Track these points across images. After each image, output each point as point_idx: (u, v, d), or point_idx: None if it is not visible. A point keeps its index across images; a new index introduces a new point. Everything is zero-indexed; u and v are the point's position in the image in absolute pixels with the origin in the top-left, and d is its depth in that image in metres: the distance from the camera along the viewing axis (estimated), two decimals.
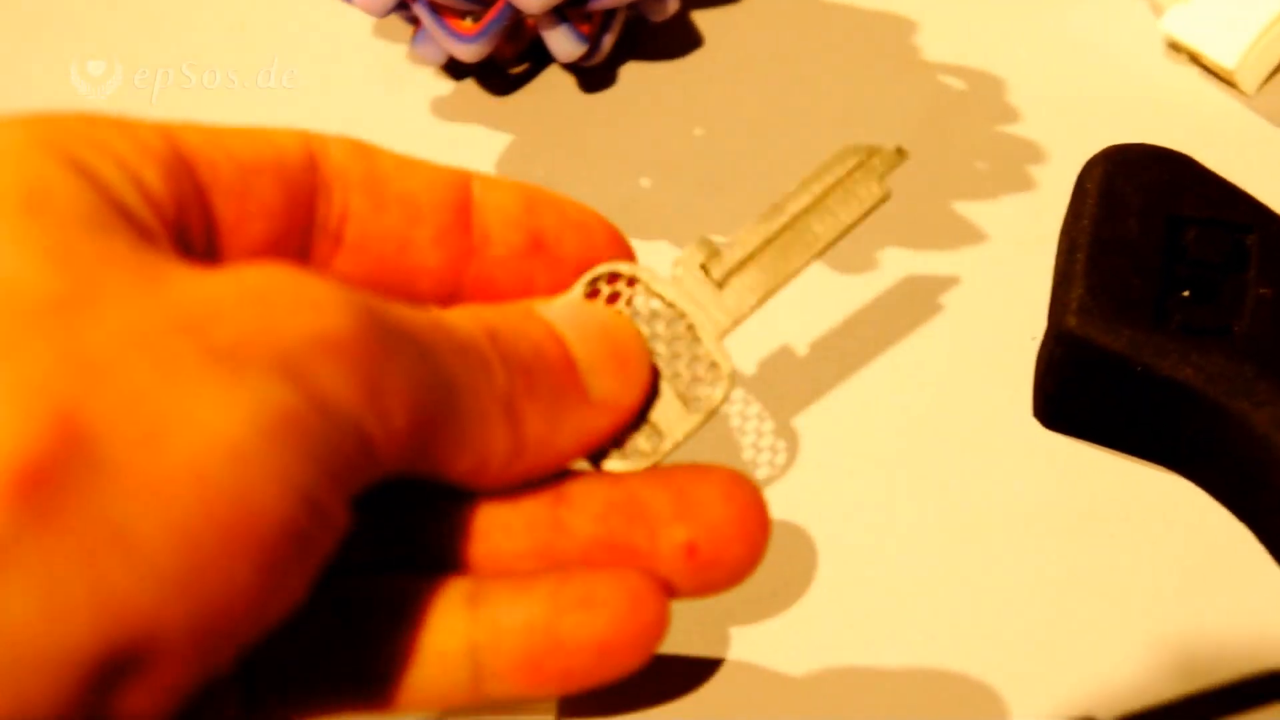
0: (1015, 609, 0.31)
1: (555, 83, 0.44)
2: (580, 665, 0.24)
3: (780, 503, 0.33)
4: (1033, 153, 0.41)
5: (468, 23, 0.40)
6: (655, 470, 0.26)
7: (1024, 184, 0.41)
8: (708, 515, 0.25)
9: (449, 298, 0.26)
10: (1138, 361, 0.32)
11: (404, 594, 0.24)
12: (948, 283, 0.38)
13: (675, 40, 0.45)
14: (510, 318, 0.24)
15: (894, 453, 0.34)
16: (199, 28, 0.46)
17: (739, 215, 0.39)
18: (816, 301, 0.37)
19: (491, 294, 0.26)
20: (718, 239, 0.27)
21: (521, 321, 0.24)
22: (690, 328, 0.27)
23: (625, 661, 0.23)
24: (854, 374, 0.35)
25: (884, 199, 0.28)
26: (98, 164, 0.20)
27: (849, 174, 0.28)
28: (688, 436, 0.27)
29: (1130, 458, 0.34)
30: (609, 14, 0.42)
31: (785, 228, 0.28)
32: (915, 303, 0.37)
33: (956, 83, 0.44)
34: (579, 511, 0.25)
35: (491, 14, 0.40)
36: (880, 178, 0.28)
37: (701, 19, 0.46)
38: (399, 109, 0.43)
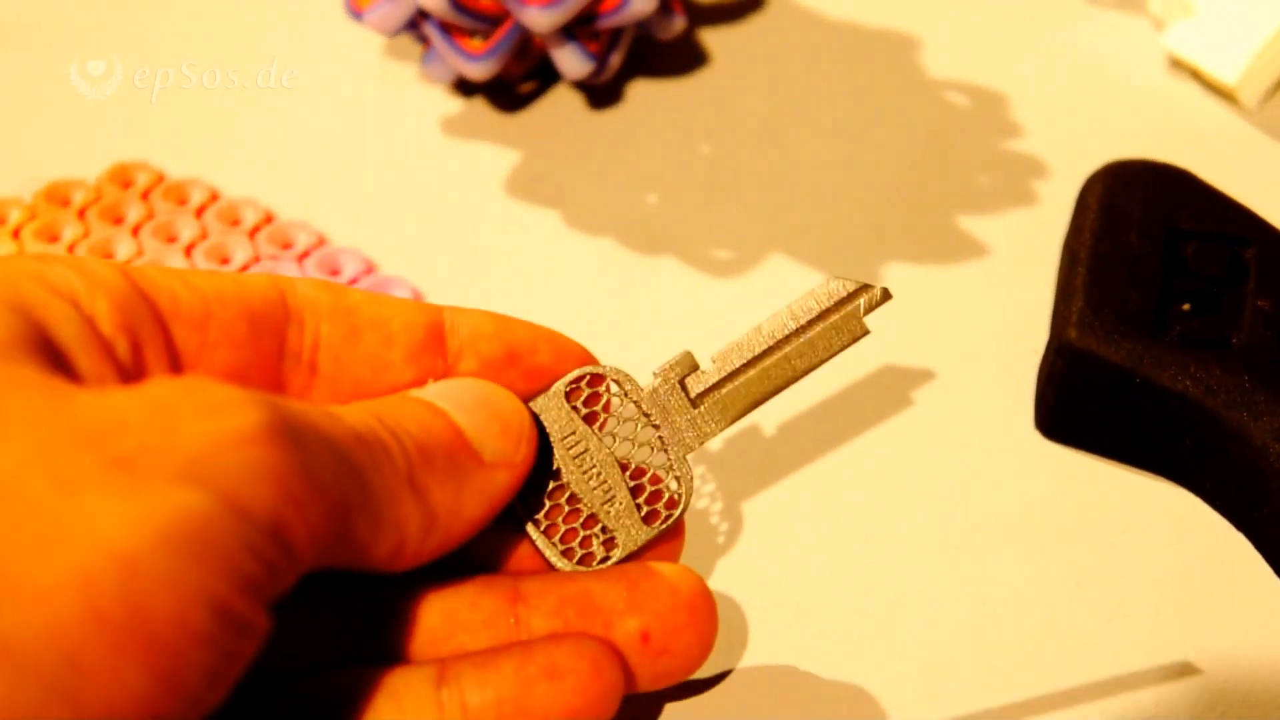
0: (1017, 620, 0.31)
1: (563, 100, 0.44)
2: None
3: (783, 508, 0.33)
4: (1035, 168, 0.42)
5: (477, 42, 0.41)
6: (606, 568, 0.27)
7: (1026, 198, 0.41)
8: (658, 605, 0.26)
9: None
10: (1138, 373, 0.33)
11: (371, 685, 0.24)
12: (951, 295, 0.38)
13: (682, 58, 0.46)
14: (392, 403, 0.25)
15: (897, 464, 0.34)
16: (199, 28, 0.46)
17: (745, 232, 0.40)
18: None
19: None
20: (700, 359, 0.28)
21: (403, 404, 0.25)
22: (661, 439, 0.28)
23: None
24: (855, 386, 0.36)
25: (863, 335, 0.28)
26: (37, 299, 0.21)
27: (835, 306, 0.28)
28: (640, 548, 0.28)
29: (1131, 469, 0.34)
30: (616, 32, 0.42)
31: (765, 353, 0.28)
32: (919, 315, 0.37)
33: (960, 99, 0.44)
34: (535, 608, 0.26)
35: (500, 33, 0.40)
36: (864, 316, 0.28)
37: (708, 37, 0.46)
38: (408, 127, 0.43)
